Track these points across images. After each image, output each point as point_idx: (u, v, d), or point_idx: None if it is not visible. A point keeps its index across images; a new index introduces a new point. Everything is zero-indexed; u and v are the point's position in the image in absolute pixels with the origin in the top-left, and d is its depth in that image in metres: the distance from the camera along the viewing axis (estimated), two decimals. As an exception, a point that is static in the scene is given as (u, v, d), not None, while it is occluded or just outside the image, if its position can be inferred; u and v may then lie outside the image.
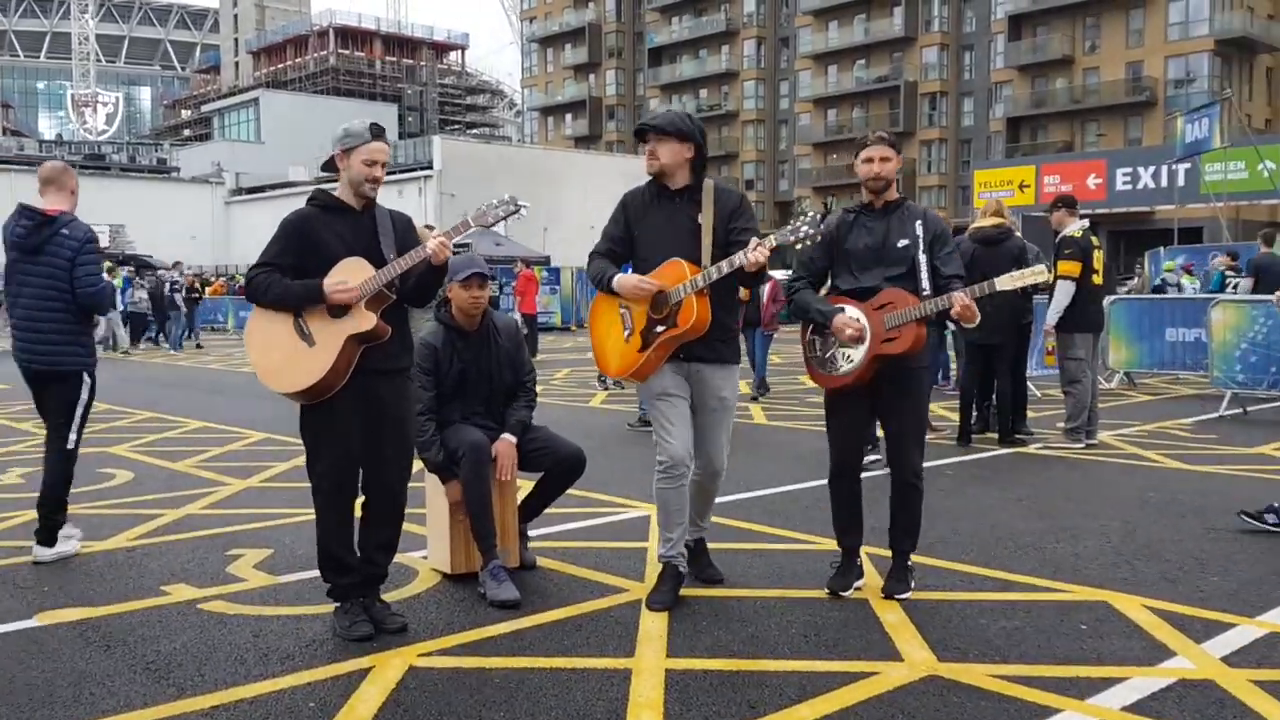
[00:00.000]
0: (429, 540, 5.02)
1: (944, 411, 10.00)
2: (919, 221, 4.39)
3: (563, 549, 5.25)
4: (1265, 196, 32.57)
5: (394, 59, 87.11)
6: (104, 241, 6.14)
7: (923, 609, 4.25)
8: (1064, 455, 8.09)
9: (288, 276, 3.93)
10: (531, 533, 5.10)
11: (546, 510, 5.06)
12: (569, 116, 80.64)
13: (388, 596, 4.28)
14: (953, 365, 11.87)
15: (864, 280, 4.39)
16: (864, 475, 4.71)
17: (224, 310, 32.93)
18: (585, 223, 40.24)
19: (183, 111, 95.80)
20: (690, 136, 4.31)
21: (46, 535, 5.14)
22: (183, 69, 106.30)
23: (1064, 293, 8.30)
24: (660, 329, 4.19)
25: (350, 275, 3.88)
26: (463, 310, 4.77)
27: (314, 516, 4.09)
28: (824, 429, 4.63)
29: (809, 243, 4.20)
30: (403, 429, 4.12)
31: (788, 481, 6.97)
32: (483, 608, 4.33)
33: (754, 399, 11.77)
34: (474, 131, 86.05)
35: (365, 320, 3.86)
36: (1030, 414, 9.29)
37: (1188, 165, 30.16)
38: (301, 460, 4.12)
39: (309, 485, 4.08)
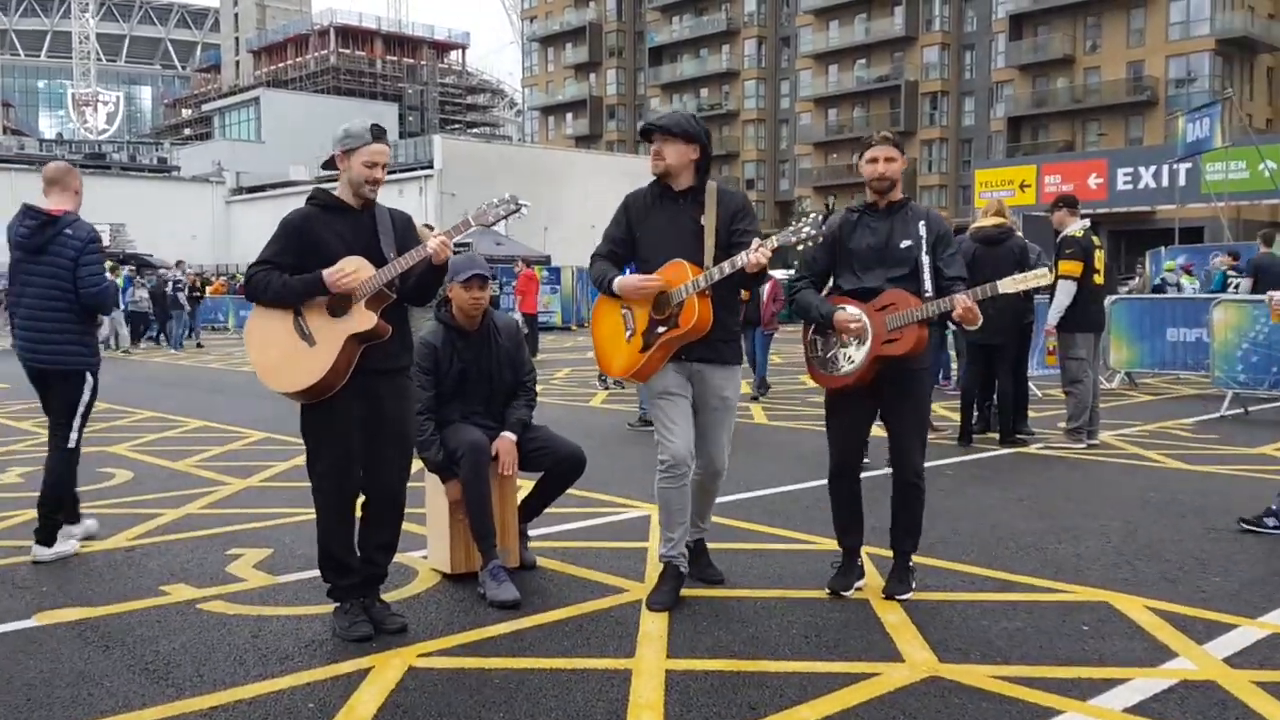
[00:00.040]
0: (429, 540, 5.01)
1: (945, 411, 9.98)
2: (922, 222, 4.37)
3: (563, 549, 5.24)
4: (1266, 196, 32.55)
5: (395, 58, 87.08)
6: (104, 240, 6.15)
7: (924, 610, 4.24)
8: (1065, 455, 8.08)
9: (285, 276, 3.92)
10: (531, 532, 5.09)
11: (546, 510, 5.05)
12: (569, 116, 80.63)
13: (387, 596, 4.27)
14: (953, 365, 11.85)
15: (866, 281, 4.38)
16: (864, 475, 4.70)
17: (224, 310, 32.93)
18: (586, 222, 40.20)
19: (183, 111, 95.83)
20: (696, 138, 4.30)
21: (46, 535, 5.14)
22: (183, 68, 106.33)
23: (1065, 293, 8.29)
24: (662, 329, 4.18)
25: (350, 274, 3.87)
26: (463, 311, 4.76)
27: (314, 516, 4.08)
28: (824, 429, 4.62)
29: (810, 244, 4.19)
30: (403, 429, 4.11)
31: (788, 481, 6.96)
32: (482, 608, 4.32)
33: (754, 399, 11.76)
34: (474, 131, 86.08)
35: (365, 319, 3.85)
36: (1031, 414, 9.28)
37: (1189, 165, 30.15)
38: (301, 460, 4.11)
39: (309, 485, 4.07)
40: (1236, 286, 14.82)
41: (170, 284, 23.78)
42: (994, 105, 58.01)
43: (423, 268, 3.91)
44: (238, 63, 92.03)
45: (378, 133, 3.93)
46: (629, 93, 78.75)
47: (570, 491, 5.09)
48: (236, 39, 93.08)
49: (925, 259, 4.31)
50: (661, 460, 4.29)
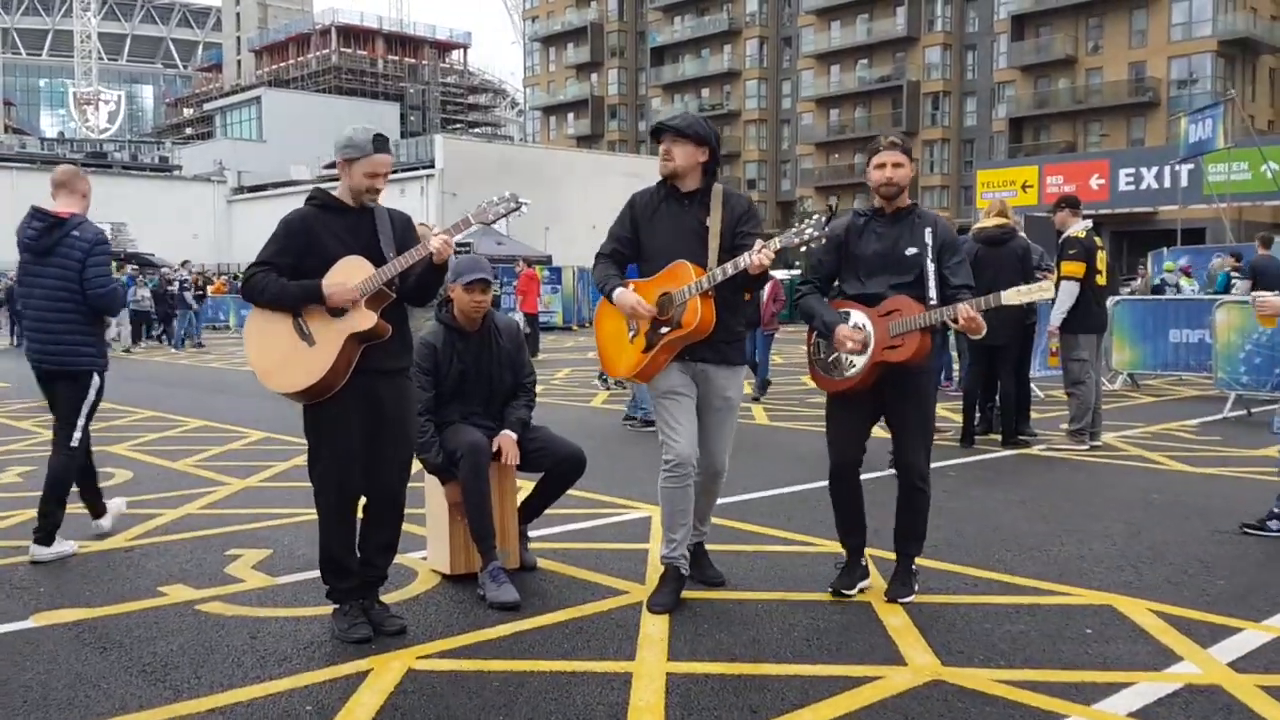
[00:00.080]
0: (428, 541, 4.99)
1: (947, 412, 9.95)
2: (929, 229, 4.35)
3: (563, 550, 5.22)
4: (1268, 197, 32.51)
5: (396, 58, 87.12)
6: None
7: (926, 612, 4.21)
8: (1068, 457, 8.05)
9: (285, 276, 3.90)
10: (531, 534, 5.07)
11: (546, 511, 5.03)
12: (571, 116, 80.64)
13: (387, 598, 4.25)
14: (955, 366, 11.83)
15: (870, 286, 4.36)
16: (867, 477, 4.67)
17: (225, 309, 32.94)
18: (587, 222, 40.24)
19: (184, 110, 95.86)
20: (706, 140, 4.30)
21: (45, 534, 5.12)
22: (185, 67, 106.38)
23: (1068, 294, 8.26)
24: (665, 330, 4.18)
25: (349, 274, 3.85)
26: (464, 313, 4.74)
27: (314, 517, 4.06)
28: (825, 429, 4.59)
29: (813, 245, 4.17)
30: (403, 429, 4.08)
31: (790, 483, 6.93)
32: (482, 610, 4.30)
33: (755, 399, 11.74)
34: (476, 131, 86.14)
35: (365, 319, 3.82)
36: (1034, 415, 9.25)
37: (1191, 166, 30.12)
38: (301, 460, 4.09)
39: (309, 485, 4.04)
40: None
41: (177, 284, 23.80)
42: (996, 106, 58.00)
43: (422, 267, 3.89)
44: (239, 62, 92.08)
45: (380, 143, 3.90)
46: (630, 93, 78.75)
47: (570, 492, 5.07)
48: (238, 38, 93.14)
49: (931, 266, 4.29)
50: (666, 460, 4.27)
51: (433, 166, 46.16)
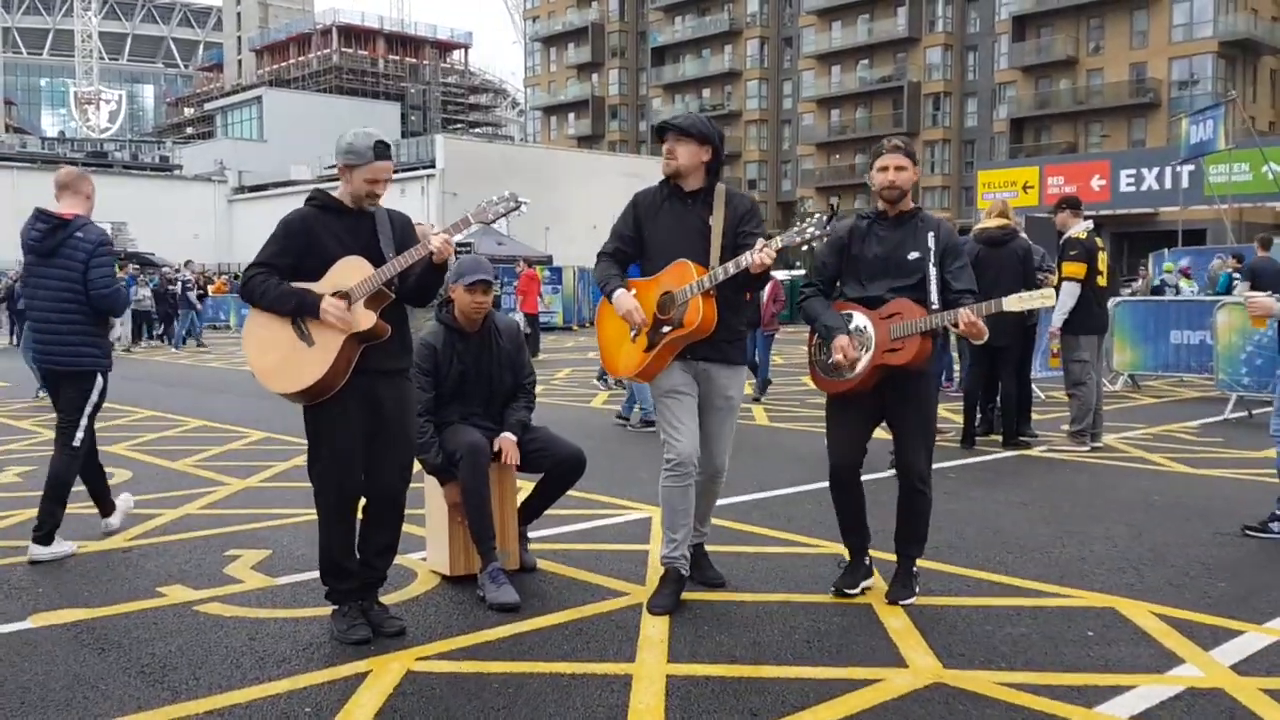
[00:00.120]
0: (428, 542, 4.98)
1: (948, 414, 9.94)
2: (932, 234, 4.34)
3: (563, 551, 5.21)
4: (1270, 199, 32.49)
5: (397, 58, 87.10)
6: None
7: (927, 614, 4.20)
8: (1068, 458, 8.04)
9: (285, 277, 3.88)
10: (531, 534, 5.05)
11: (546, 512, 5.02)
12: (572, 116, 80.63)
13: (386, 599, 4.24)
14: (956, 367, 11.81)
15: (871, 289, 4.35)
16: (867, 478, 4.66)
17: (226, 309, 32.93)
18: (588, 222, 40.23)
19: (185, 109, 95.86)
20: (709, 139, 4.30)
21: (44, 534, 5.12)
22: (186, 67, 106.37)
23: (1069, 294, 8.25)
24: (667, 329, 4.18)
25: (349, 274, 3.83)
26: (465, 314, 4.72)
27: (314, 518, 4.05)
28: (825, 430, 4.58)
29: (815, 244, 4.16)
30: (402, 430, 4.07)
31: (790, 484, 6.92)
32: (482, 611, 4.29)
33: (756, 400, 11.73)
34: (477, 131, 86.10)
35: (364, 319, 3.81)
36: (1035, 416, 9.24)
37: (1192, 167, 30.10)
38: (301, 460, 4.08)
39: (308, 486, 4.03)
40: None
41: (180, 283, 23.81)
42: (997, 106, 58.00)
43: (422, 267, 3.87)
44: (240, 62, 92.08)
45: (381, 151, 3.88)
46: (631, 93, 78.74)
47: (570, 493, 5.06)
48: (239, 38, 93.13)
49: (933, 271, 4.28)
50: (668, 459, 4.26)
51: (433, 166, 46.15)
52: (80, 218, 5.26)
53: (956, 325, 4.10)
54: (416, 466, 4.27)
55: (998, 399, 8.85)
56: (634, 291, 4.27)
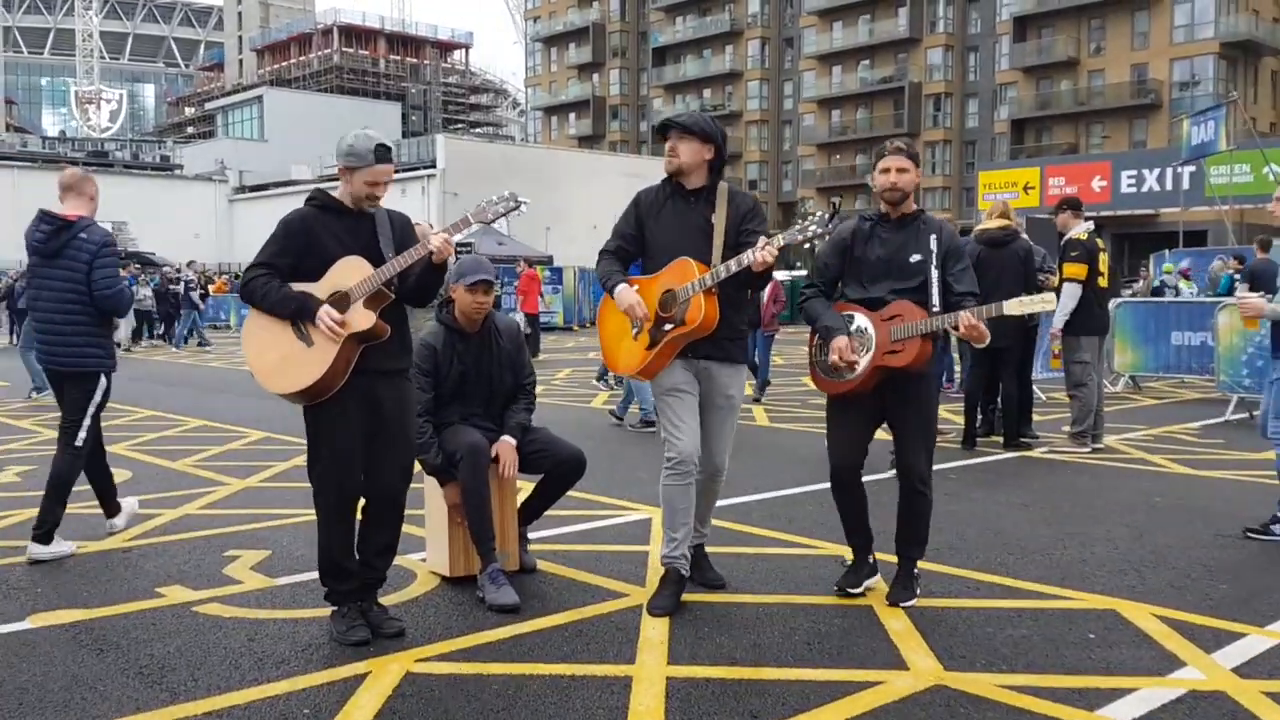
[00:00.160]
0: (427, 543, 4.97)
1: (949, 415, 9.93)
2: (934, 236, 4.33)
3: (563, 552, 5.20)
4: (1270, 200, 32.37)
5: (398, 58, 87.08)
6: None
7: (928, 616, 4.19)
8: (1070, 459, 8.03)
9: (284, 277, 3.87)
10: (531, 535, 5.04)
11: (546, 513, 5.01)
12: (572, 116, 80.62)
13: (385, 600, 4.23)
14: (957, 368, 11.80)
15: (873, 291, 4.35)
16: (869, 479, 4.65)
17: (226, 308, 32.93)
18: (588, 222, 40.23)
19: (186, 109, 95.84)
20: (712, 138, 4.30)
21: (44, 533, 5.12)
22: (187, 66, 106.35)
23: (1070, 296, 8.24)
24: (668, 327, 4.17)
25: (348, 274, 3.82)
26: (465, 314, 4.71)
27: (313, 519, 4.04)
28: (826, 431, 4.57)
29: (817, 243, 4.16)
30: (402, 430, 4.06)
31: (791, 485, 6.91)
32: (481, 612, 4.28)
33: (756, 400, 11.72)
34: (477, 131, 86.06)
35: (364, 319, 3.80)
36: (1035, 417, 9.23)
37: (1193, 168, 30.08)
38: (301, 460, 4.07)
39: (308, 486, 4.02)
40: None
41: (183, 283, 23.83)
42: (998, 107, 57.98)
43: (422, 267, 3.86)
44: (241, 61, 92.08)
45: (381, 154, 3.87)
46: (632, 93, 78.72)
47: (570, 494, 5.05)
48: (240, 37, 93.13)
49: (934, 273, 4.27)
50: (669, 458, 4.26)
51: (434, 166, 46.14)
52: (84, 219, 5.30)
53: (957, 328, 4.10)
54: (416, 467, 4.26)
55: (998, 400, 8.85)
56: (636, 288, 4.27)
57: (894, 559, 4.48)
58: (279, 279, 3.86)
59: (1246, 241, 24.55)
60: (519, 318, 18.02)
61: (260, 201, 54.54)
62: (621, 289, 4.24)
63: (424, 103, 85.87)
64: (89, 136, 72.92)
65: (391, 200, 3.94)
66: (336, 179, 4.01)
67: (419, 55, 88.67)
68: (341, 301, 3.81)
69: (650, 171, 34.03)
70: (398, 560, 4.51)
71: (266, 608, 4.35)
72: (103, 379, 5.33)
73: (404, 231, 4.05)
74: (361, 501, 4.07)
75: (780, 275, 14.74)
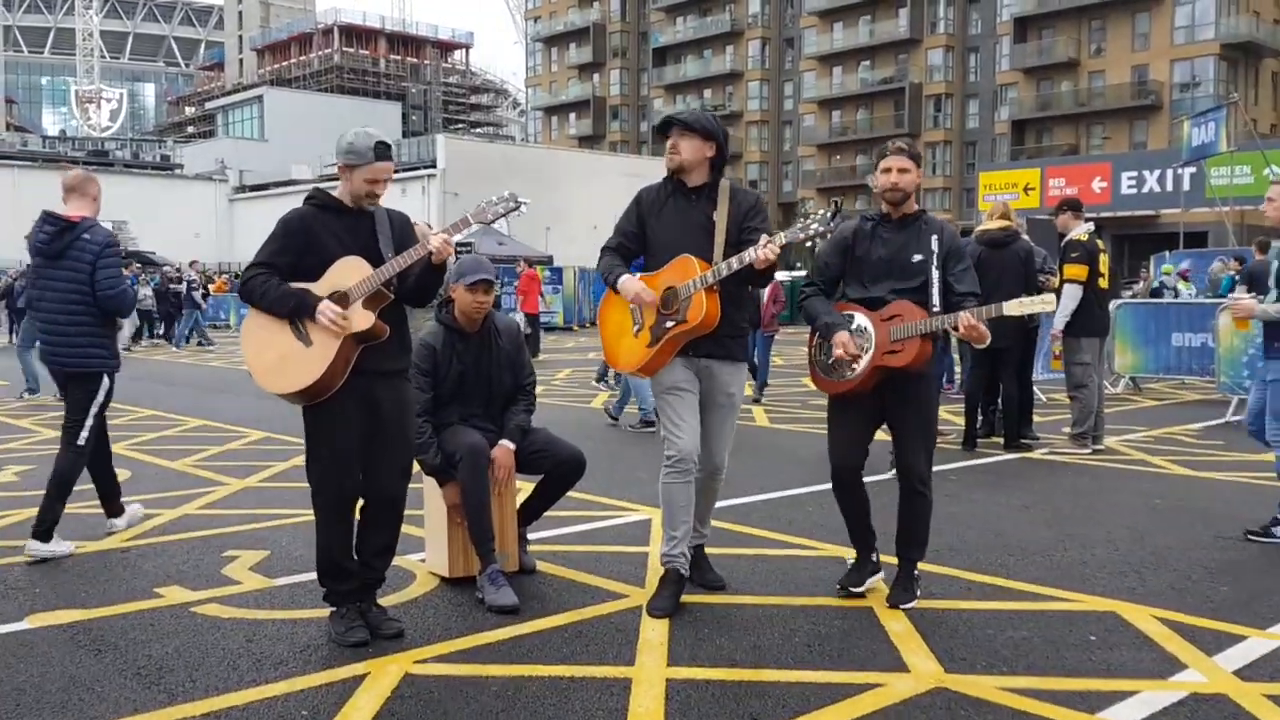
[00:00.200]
0: (427, 543, 4.96)
1: (949, 415, 9.91)
2: (935, 237, 4.32)
3: (562, 553, 5.19)
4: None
5: (398, 57, 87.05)
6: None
7: (929, 618, 4.17)
8: (1070, 461, 8.02)
9: (284, 276, 3.86)
10: (531, 536, 5.03)
11: (546, 513, 5.00)
12: (573, 116, 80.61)
13: (384, 600, 4.22)
14: (957, 369, 11.79)
15: (873, 291, 4.34)
16: (867, 480, 4.64)
17: (226, 308, 32.90)
18: (588, 222, 40.21)
19: (186, 108, 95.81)
20: (714, 135, 4.29)
21: (43, 530, 5.12)
22: (187, 66, 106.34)
23: (1071, 297, 8.23)
24: (670, 324, 4.17)
25: (348, 274, 3.81)
26: (465, 314, 4.70)
27: (312, 519, 4.03)
28: (826, 432, 4.57)
29: (819, 241, 4.15)
30: (401, 431, 4.05)
31: (791, 486, 6.89)
32: (480, 613, 4.26)
33: (756, 401, 11.71)
34: (478, 130, 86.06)
35: (363, 320, 3.79)
36: (1036, 419, 9.22)
37: (1193, 169, 30.07)
38: (300, 460, 4.06)
39: (308, 486, 4.01)
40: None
41: (185, 283, 23.86)
42: (998, 108, 57.96)
43: (421, 267, 3.85)
44: (241, 61, 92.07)
45: (381, 151, 3.86)
46: (632, 93, 78.70)
47: (570, 494, 5.04)
48: (240, 37, 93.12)
49: (935, 273, 4.26)
50: (668, 456, 4.25)
51: (434, 166, 46.13)
52: (87, 219, 5.34)
53: (957, 328, 4.09)
54: (415, 467, 4.25)
55: (999, 401, 8.84)
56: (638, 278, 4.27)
57: (893, 560, 4.47)
58: (278, 278, 3.85)
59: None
60: (519, 318, 18.01)
61: (260, 201, 54.53)
62: (625, 279, 4.25)
63: (424, 103, 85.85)
64: (89, 136, 72.95)
65: (391, 200, 3.93)
66: (337, 178, 4.00)
67: (419, 55, 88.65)
68: (341, 302, 3.79)
69: (650, 172, 34.00)
70: (397, 561, 4.50)
71: (265, 608, 4.34)
72: (105, 379, 5.35)
73: (403, 231, 4.04)
74: (360, 502, 4.06)
75: (780, 275, 14.71)
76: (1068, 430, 8.60)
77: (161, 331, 25.09)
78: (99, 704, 3.36)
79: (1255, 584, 4.70)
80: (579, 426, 9.58)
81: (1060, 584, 4.66)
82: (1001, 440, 8.64)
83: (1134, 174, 40.18)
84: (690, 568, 4.46)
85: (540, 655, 3.78)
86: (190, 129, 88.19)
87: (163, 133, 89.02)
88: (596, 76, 79.37)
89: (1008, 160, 52.31)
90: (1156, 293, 18.90)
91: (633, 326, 4.30)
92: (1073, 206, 8.68)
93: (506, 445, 4.66)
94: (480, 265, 4.70)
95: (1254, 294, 5.75)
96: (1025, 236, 8.77)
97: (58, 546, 5.15)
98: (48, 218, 5.31)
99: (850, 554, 4.67)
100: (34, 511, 5.20)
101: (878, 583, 4.52)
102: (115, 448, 8.51)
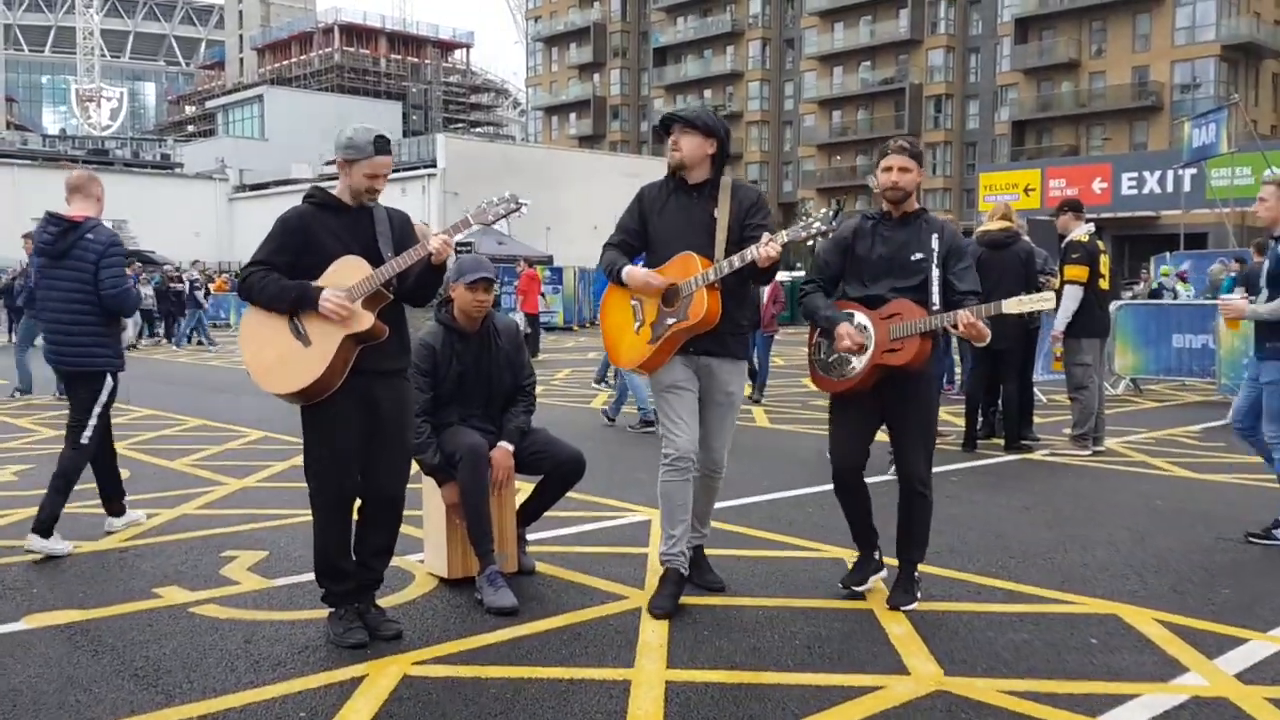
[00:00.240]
0: (426, 544, 4.94)
1: (949, 416, 9.90)
2: (936, 235, 4.32)
3: (562, 554, 5.17)
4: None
5: (399, 57, 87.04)
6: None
7: (929, 621, 4.16)
8: (1070, 462, 8.01)
9: (282, 275, 3.85)
10: (530, 537, 5.02)
11: (545, 514, 4.98)
12: (573, 116, 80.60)
13: (383, 601, 4.20)
14: (958, 370, 11.78)
15: (873, 289, 4.33)
16: (868, 481, 4.62)
17: (226, 307, 32.88)
18: (588, 222, 40.20)
19: (187, 107, 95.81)
20: (714, 132, 4.29)
21: (43, 526, 5.13)
22: (187, 65, 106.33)
23: (1072, 298, 8.22)
24: (671, 321, 4.16)
25: (347, 274, 3.80)
26: (465, 313, 4.69)
27: (311, 519, 4.01)
28: (827, 432, 4.55)
29: (821, 239, 4.14)
30: (400, 431, 4.03)
31: (791, 486, 6.88)
32: (479, 614, 4.25)
33: (756, 402, 11.70)
34: (478, 130, 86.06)
35: (363, 320, 3.77)
36: (1036, 420, 9.21)
37: (1194, 170, 30.04)
38: (299, 459, 4.04)
39: (306, 487, 3.99)
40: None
41: (189, 283, 23.88)
42: (999, 109, 57.95)
43: (421, 267, 3.84)
44: (242, 60, 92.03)
45: (381, 145, 3.85)
46: (633, 93, 78.70)
47: (569, 495, 5.03)
48: (241, 36, 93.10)
49: (935, 272, 4.25)
50: (666, 454, 4.25)
51: (434, 166, 46.14)
52: (91, 219, 5.37)
53: (956, 326, 4.08)
54: (414, 467, 4.24)
55: (999, 402, 8.82)
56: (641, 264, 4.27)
57: (894, 562, 4.46)
58: (276, 274, 3.84)
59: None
60: (519, 318, 18.00)
61: (260, 200, 54.54)
62: (629, 270, 4.25)
63: (425, 102, 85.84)
64: (89, 134, 72.98)
65: (391, 199, 3.91)
66: (337, 177, 3.99)
67: (420, 54, 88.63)
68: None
69: (650, 172, 34.01)
70: (396, 561, 4.49)
71: (264, 609, 4.32)
72: (109, 379, 5.38)
73: (403, 230, 4.02)
74: (358, 502, 4.05)
75: (780, 276, 14.69)
76: (1068, 432, 8.59)
77: (161, 330, 25.08)
78: (96, 705, 3.34)
79: (1257, 586, 4.69)
80: (578, 427, 9.56)
81: (1061, 586, 4.64)
82: (1002, 441, 8.63)
83: (1134, 175, 40.18)
84: (690, 568, 4.45)
85: (539, 657, 3.76)
86: (190, 128, 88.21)
87: (163, 132, 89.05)
88: (597, 76, 79.36)
89: (1008, 161, 52.30)
90: (1155, 294, 18.91)
91: (634, 323, 4.29)
92: (1073, 207, 8.66)
93: (505, 446, 4.64)
94: (480, 264, 4.69)
95: (1248, 296, 5.74)
96: (1026, 237, 8.75)
97: (57, 545, 5.13)
98: (51, 218, 5.34)
99: (851, 556, 4.66)
100: (32, 511, 5.19)
101: (880, 580, 4.50)
102: (115, 446, 8.54)
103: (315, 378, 3.76)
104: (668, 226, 4.32)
